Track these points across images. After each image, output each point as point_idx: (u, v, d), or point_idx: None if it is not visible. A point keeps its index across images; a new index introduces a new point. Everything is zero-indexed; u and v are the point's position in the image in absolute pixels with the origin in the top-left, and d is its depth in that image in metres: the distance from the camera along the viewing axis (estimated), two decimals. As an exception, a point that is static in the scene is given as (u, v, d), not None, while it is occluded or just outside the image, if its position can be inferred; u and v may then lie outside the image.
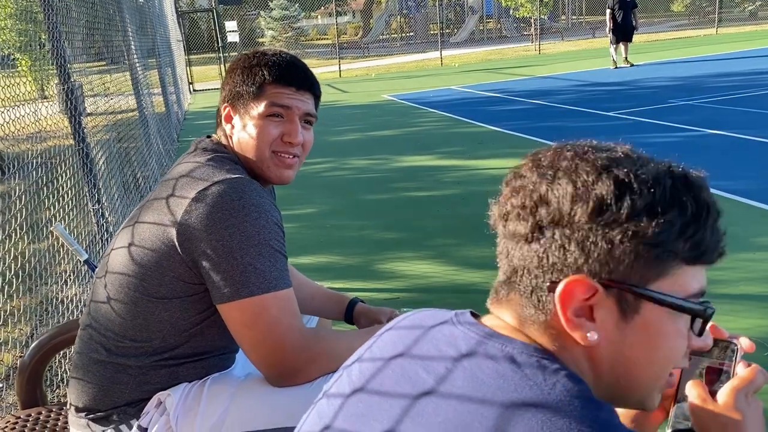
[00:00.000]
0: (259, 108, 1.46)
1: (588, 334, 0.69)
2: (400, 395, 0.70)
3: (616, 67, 14.71)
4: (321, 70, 19.98)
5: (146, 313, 1.34)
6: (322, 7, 42.10)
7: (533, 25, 24.33)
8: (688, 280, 0.70)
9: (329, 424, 0.74)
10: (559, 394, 0.63)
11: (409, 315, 0.84)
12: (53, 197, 2.91)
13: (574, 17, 39.27)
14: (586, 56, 18.19)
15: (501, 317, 0.76)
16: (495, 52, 23.26)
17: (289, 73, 1.48)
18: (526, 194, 0.72)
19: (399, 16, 37.08)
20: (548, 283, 0.69)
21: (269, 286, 1.28)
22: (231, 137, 1.50)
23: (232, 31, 20.28)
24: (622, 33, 14.40)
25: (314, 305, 1.85)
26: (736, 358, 0.85)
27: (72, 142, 3.33)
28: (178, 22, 15.10)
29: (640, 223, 0.67)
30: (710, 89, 10.39)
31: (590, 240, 0.68)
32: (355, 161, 7.50)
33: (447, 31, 32.82)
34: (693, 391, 0.83)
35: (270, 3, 31.90)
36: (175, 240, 1.29)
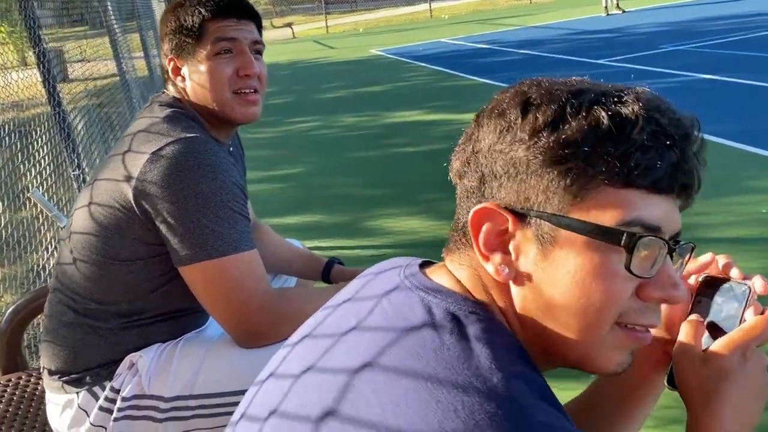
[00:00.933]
0: (206, 49, 1.40)
1: (499, 267, 0.63)
2: (330, 335, 0.67)
3: (608, 14, 14.49)
4: (307, 26, 19.65)
5: (110, 276, 1.32)
6: (309, -38, 41.18)
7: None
8: (618, 206, 0.60)
9: (274, 371, 0.73)
10: (450, 340, 0.58)
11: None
12: (29, 164, 2.86)
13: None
14: (579, 4, 17.87)
15: (445, 264, 0.71)
16: (486, 2, 22.85)
17: (226, 5, 1.41)
18: (465, 135, 0.69)
19: (387, -31, 36.32)
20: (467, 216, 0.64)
21: (228, 249, 1.26)
22: (184, 90, 1.44)
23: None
24: None
25: (292, 267, 1.83)
26: (746, 303, 0.73)
27: (48, 108, 3.27)
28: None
29: (541, 139, 0.60)
30: (702, 33, 10.24)
31: (498, 164, 0.62)
32: (342, 119, 7.42)
33: (437, -18, 32.18)
34: (684, 330, 0.72)
35: (254, -41, 31.27)
36: (132, 200, 1.26)
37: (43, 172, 2.96)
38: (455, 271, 0.68)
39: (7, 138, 2.71)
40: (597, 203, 0.60)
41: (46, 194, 2.86)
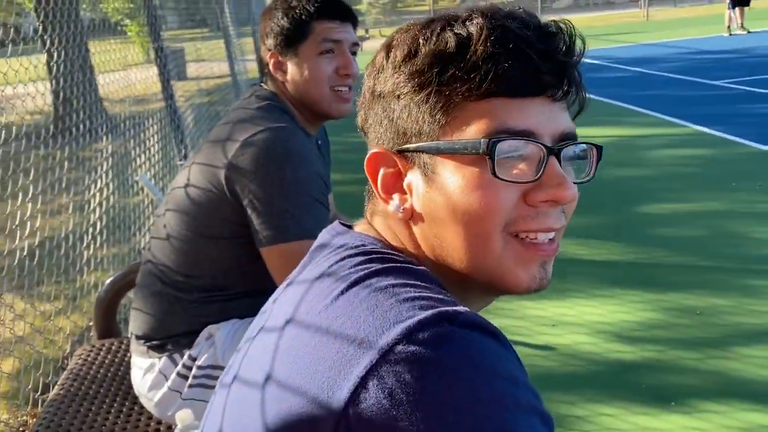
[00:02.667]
0: (311, 47, 1.47)
1: (396, 206, 0.65)
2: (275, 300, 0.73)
3: (731, 34, 13.70)
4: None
5: (197, 251, 1.41)
6: (421, -26, 41.61)
7: (642, -11, 22.98)
8: (481, 118, 0.60)
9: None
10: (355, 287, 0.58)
11: None
12: (139, 149, 3.07)
13: (689, -19, 36.78)
14: (700, 23, 17.04)
15: (366, 219, 0.73)
16: (599, 18, 22.23)
17: (333, 7, 1.47)
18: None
19: (500, -17, 36.12)
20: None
21: (305, 234, 1.31)
22: (284, 84, 1.51)
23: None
24: None
25: None
26: None
27: (162, 102, 3.51)
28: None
29: (401, 73, 0.62)
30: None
31: (377, 109, 0.66)
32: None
33: (550, -3, 31.63)
34: None
35: (367, -30, 31.97)
36: (223, 182, 1.35)
37: (152, 158, 3.17)
38: (371, 221, 0.71)
39: (122, 125, 2.93)
40: (462, 121, 0.61)
41: (152, 180, 3.06)
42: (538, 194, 0.61)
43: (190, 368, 1.42)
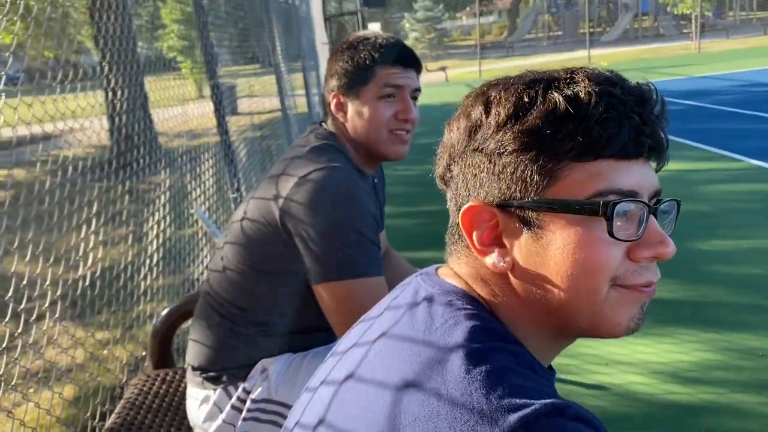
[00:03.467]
0: (372, 91, 1.50)
1: (496, 260, 0.66)
2: (366, 343, 0.73)
3: None
4: (461, 70, 19.94)
5: (251, 285, 1.44)
6: (467, 8, 41.99)
7: (694, 21, 22.68)
8: (590, 179, 0.63)
9: (325, 378, 0.76)
10: (454, 355, 0.60)
11: None
12: (195, 183, 3.16)
13: (743, 13, 36.10)
14: (754, 55, 16.68)
15: (450, 266, 0.75)
16: (649, 50, 22.01)
17: (396, 53, 1.51)
18: (441, 143, 0.74)
19: (547, 15, 36.12)
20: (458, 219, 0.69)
21: (357, 273, 1.33)
22: (344, 125, 1.55)
23: (376, 33, 20.73)
24: None
25: None
26: None
27: (218, 137, 3.62)
28: (325, 26, 15.77)
29: (506, 131, 0.64)
30: None
31: (473, 163, 0.67)
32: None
33: (598, 29, 31.52)
34: None
35: (414, 4, 32.37)
36: (277, 218, 1.38)
37: (207, 192, 3.26)
38: (457, 269, 0.73)
39: (179, 159, 3.03)
40: (571, 181, 0.63)
41: (206, 212, 3.15)
42: (643, 251, 0.65)
43: (244, 401, 1.44)
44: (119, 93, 2.93)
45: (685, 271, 3.78)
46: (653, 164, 0.68)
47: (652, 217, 0.65)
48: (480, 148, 0.66)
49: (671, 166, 5.42)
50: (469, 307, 0.66)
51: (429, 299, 0.68)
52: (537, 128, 0.63)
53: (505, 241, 0.67)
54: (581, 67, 0.67)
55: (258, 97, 6.58)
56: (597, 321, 0.67)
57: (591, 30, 22.16)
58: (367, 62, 1.50)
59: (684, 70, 14.94)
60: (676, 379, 2.70)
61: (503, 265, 0.66)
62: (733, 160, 6.22)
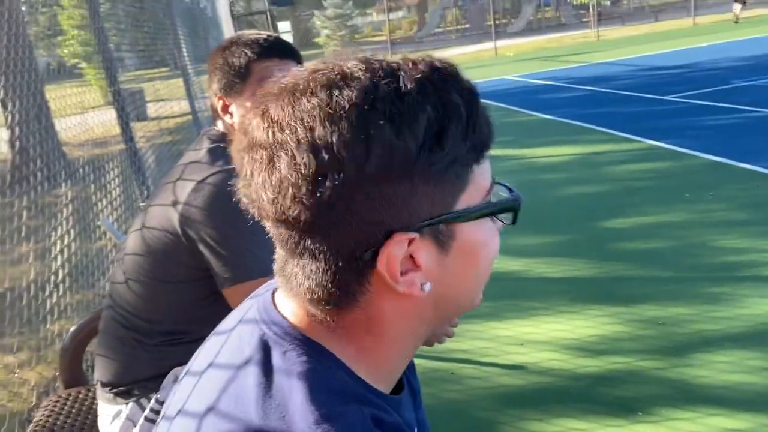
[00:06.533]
0: (251, 88, 1.50)
1: (425, 287, 0.62)
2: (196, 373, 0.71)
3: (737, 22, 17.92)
4: (375, 66, 20.01)
5: (156, 296, 1.42)
6: (377, 4, 42.28)
7: (592, 10, 23.68)
8: (482, 179, 0.63)
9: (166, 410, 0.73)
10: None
11: None
12: (101, 194, 3.06)
13: (636, 2, 38.03)
14: (647, 41, 17.60)
15: (287, 295, 0.68)
16: (553, 40, 22.81)
17: (270, 46, 1.51)
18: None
19: (454, 9, 36.80)
20: (368, 255, 0.60)
21: (266, 271, 1.32)
22: (232, 126, 1.54)
23: (286, 32, 20.68)
24: None
25: None
26: None
27: (123, 144, 3.50)
28: (234, 25, 15.51)
29: (397, 156, 0.56)
30: (778, 67, 9.90)
31: (368, 192, 0.57)
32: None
33: (504, 21, 32.37)
34: None
35: (324, 2, 32.28)
36: (177, 226, 1.36)
37: (114, 202, 3.15)
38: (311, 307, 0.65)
39: (81, 170, 2.92)
40: (473, 185, 0.62)
41: (115, 223, 3.05)
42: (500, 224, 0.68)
43: (158, 412, 1.42)
44: (10, 105, 2.79)
45: (594, 250, 3.97)
46: None
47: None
48: (372, 173, 0.58)
49: (576, 149, 5.70)
50: (306, 361, 0.62)
51: (264, 348, 0.64)
52: (451, 139, 0.58)
53: (420, 263, 0.61)
54: (445, 67, 0.62)
55: (166, 101, 6.41)
56: (468, 306, 0.69)
57: (497, 22, 22.75)
58: (242, 60, 1.49)
59: (585, 58, 15.59)
60: (586, 352, 2.84)
61: (429, 288, 0.62)
62: (632, 141, 6.57)
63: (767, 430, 2.26)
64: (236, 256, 1.34)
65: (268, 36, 1.55)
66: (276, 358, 0.63)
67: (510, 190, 0.66)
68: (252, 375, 0.62)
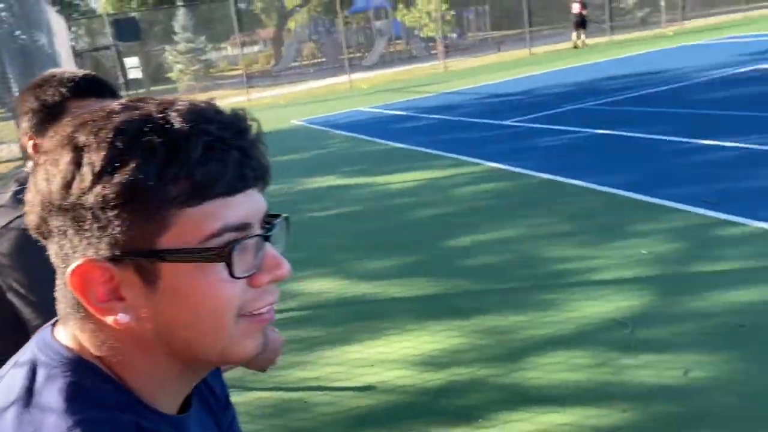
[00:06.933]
0: None
1: (119, 317, 0.63)
2: None
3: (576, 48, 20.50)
4: (229, 100, 19.84)
5: None
6: (231, 38, 41.96)
7: (438, 43, 24.97)
8: (202, 222, 0.61)
9: None
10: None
11: None
12: None
13: (480, 33, 40.59)
14: (490, 70, 18.82)
15: (64, 326, 0.70)
16: (404, 72, 23.72)
17: (86, 85, 1.47)
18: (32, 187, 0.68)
19: (310, 42, 37.34)
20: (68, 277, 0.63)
21: None
22: None
23: (133, 67, 19.97)
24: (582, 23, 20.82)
25: None
26: None
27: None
28: (76, 62, 14.75)
29: (106, 185, 0.59)
30: (601, 92, 10.96)
31: (76, 218, 0.61)
32: (259, 188, 7.49)
33: (358, 54, 33.25)
34: None
35: (174, 37, 31.49)
36: None
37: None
38: (72, 329, 0.68)
39: None
40: (183, 227, 0.61)
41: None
42: (262, 278, 0.65)
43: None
44: None
45: (439, 268, 4.17)
46: (258, 190, 0.67)
47: (267, 244, 0.66)
48: (80, 203, 0.60)
49: (426, 175, 6.01)
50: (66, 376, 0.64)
51: (32, 373, 0.66)
52: (138, 178, 0.58)
53: (124, 294, 0.63)
54: (174, 101, 0.65)
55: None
56: (227, 353, 0.67)
57: (351, 55, 23.35)
58: (56, 98, 1.44)
59: (434, 88, 16.37)
60: (432, 366, 2.97)
61: (126, 320, 0.63)
62: (475, 165, 6.98)
63: (593, 421, 2.48)
64: (46, 301, 1.29)
65: (85, 74, 1.52)
66: (39, 380, 0.64)
67: (231, 244, 0.62)
68: (11, 412, 0.63)
